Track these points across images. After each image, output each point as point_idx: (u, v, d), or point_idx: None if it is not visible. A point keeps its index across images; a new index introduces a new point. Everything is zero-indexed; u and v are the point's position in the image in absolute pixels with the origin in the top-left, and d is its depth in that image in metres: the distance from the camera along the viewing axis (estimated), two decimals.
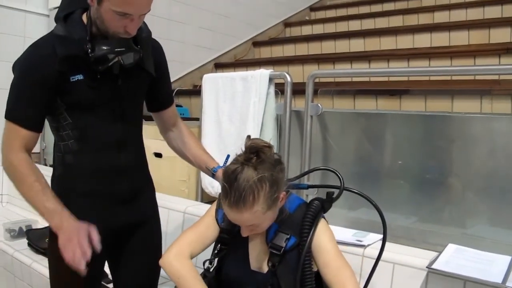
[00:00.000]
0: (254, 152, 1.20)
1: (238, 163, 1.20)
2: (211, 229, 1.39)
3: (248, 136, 1.28)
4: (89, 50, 1.30)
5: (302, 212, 1.29)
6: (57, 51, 1.31)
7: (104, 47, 1.31)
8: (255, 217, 1.19)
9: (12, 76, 1.36)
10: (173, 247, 1.36)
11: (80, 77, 1.35)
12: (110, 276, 1.67)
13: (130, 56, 1.35)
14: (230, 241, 1.36)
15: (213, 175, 1.63)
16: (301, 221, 1.27)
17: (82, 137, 1.41)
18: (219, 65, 4.51)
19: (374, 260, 1.48)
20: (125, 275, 1.59)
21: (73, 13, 1.37)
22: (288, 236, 1.27)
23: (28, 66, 1.33)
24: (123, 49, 1.33)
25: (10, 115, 1.36)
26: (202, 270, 1.39)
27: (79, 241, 1.23)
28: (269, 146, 1.23)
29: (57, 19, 1.39)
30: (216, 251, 1.38)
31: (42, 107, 1.36)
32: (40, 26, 3.56)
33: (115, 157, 1.46)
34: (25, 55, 1.35)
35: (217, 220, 1.38)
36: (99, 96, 1.40)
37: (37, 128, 1.38)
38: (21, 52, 1.36)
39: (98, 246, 1.27)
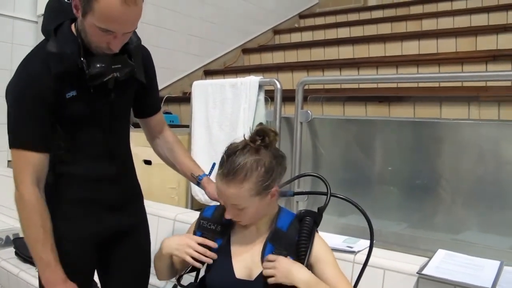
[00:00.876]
0: (261, 135, 1.23)
1: (243, 141, 1.24)
2: None
3: (260, 123, 1.32)
4: (84, 66, 1.28)
5: (296, 230, 1.29)
6: (52, 69, 1.28)
7: (98, 65, 1.29)
8: (241, 196, 1.20)
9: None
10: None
11: (74, 93, 1.33)
12: (99, 285, 1.65)
13: (125, 71, 1.34)
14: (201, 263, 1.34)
15: (198, 183, 1.63)
16: (296, 241, 1.27)
17: (73, 148, 1.40)
18: (209, 72, 4.51)
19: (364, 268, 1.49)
20: (115, 283, 1.58)
21: (62, 25, 1.34)
22: (285, 256, 1.26)
23: (23, 86, 1.29)
24: (119, 66, 1.32)
25: (16, 143, 1.31)
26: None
27: None
28: (276, 133, 1.25)
29: (46, 33, 1.35)
30: (187, 269, 1.40)
31: (46, 125, 1.33)
32: (28, 33, 3.53)
33: (106, 166, 1.46)
34: (18, 76, 1.31)
35: None
36: (92, 110, 1.39)
37: (47, 148, 1.34)
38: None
39: None
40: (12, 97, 1.31)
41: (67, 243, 1.40)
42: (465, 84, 2.82)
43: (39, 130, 1.31)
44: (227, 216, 1.26)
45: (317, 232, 1.33)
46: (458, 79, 2.45)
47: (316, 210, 1.35)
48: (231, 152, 1.22)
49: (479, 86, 2.68)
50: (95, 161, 1.43)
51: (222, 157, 1.24)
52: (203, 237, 1.34)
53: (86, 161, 1.41)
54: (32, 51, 1.36)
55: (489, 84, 2.64)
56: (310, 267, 1.26)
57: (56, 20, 1.35)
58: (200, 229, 1.38)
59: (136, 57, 1.42)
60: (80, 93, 1.33)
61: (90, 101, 1.36)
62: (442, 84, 2.94)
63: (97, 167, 1.44)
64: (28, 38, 3.45)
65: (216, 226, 1.36)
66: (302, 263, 1.23)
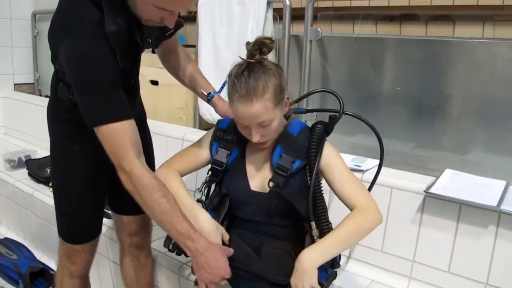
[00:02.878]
0: (257, 48, 1.21)
1: (243, 62, 1.22)
2: (203, 153, 1.40)
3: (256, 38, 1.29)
4: (138, 40, 1.24)
5: (306, 136, 1.29)
6: (116, 49, 1.19)
7: (150, 40, 1.27)
8: (266, 110, 1.19)
9: None
10: (165, 162, 1.41)
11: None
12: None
13: (173, 32, 1.34)
14: (220, 173, 1.36)
15: (208, 100, 1.61)
16: (307, 145, 1.27)
17: None
18: None
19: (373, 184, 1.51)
20: (124, 199, 1.59)
21: None
22: (294, 159, 1.28)
23: (91, 62, 1.18)
24: (172, 30, 1.30)
25: (102, 119, 1.19)
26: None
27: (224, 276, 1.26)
28: (272, 40, 1.23)
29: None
30: (206, 181, 1.40)
31: (121, 90, 1.23)
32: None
33: (128, 94, 1.35)
34: (83, 56, 1.19)
35: (210, 151, 1.39)
36: (133, 59, 1.37)
37: (131, 113, 1.25)
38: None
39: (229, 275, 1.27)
40: (82, 82, 1.20)
41: (87, 165, 1.43)
42: (481, 2, 2.72)
43: (118, 98, 1.22)
44: (254, 139, 1.24)
45: (327, 141, 1.33)
46: None
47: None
48: (239, 73, 1.20)
49: (495, 5, 2.58)
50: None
51: (232, 81, 1.20)
52: (220, 147, 1.36)
53: None
54: (81, 21, 1.22)
55: (506, 2, 2.53)
56: (320, 172, 1.28)
57: None
58: (217, 140, 1.38)
59: None
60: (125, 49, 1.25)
61: (132, 53, 1.33)
62: (457, 2, 2.83)
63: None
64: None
65: (233, 136, 1.37)
66: (313, 167, 1.24)
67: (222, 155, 1.36)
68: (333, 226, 1.25)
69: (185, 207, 1.28)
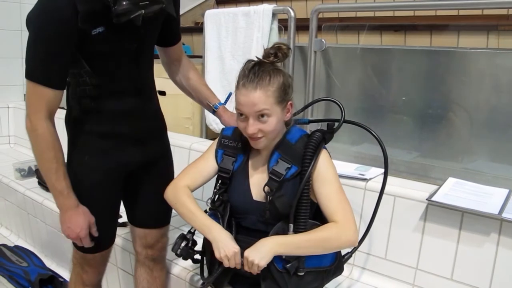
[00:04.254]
0: (274, 52, 1.28)
1: (257, 59, 1.30)
2: (210, 164, 1.43)
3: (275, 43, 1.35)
4: (111, 3, 1.23)
5: (304, 143, 1.31)
6: (78, 7, 1.23)
7: (125, 2, 1.23)
8: (266, 101, 1.23)
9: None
10: (173, 180, 1.46)
11: (101, 29, 1.29)
12: (124, 216, 1.73)
13: (153, 8, 1.30)
14: (228, 179, 1.39)
15: (214, 111, 1.64)
16: (303, 151, 1.29)
17: (100, 84, 1.39)
18: (221, 1, 4.38)
19: (376, 193, 1.53)
20: (140, 213, 1.64)
21: None
22: (289, 166, 1.30)
23: (47, 21, 1.24)
24: (147, 2, 1.27)
25: (32, 76, 1.29)
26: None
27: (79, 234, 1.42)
28: (289, 48, 1.30)
29: None
30: (216, 189, 1.43)
31: (66, 62, 1.30)
32: None
33: (132, 101, 1.46)
34: (42, 8, 1.25)
35: (216, 158, 1.42)
36: (120, 47, 1.37)
37: (62, 86, 1.34)
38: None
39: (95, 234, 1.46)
40: (33, 29, 1.27)
41: (96, 175, 1.45)
42: (486, 12, 2.74)
43: (57, 67, 1.30)
44: (250, 130, 1.26)
45: (326, 150, 1.35)
46: (479, 7, 2.38)
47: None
48: (250, 66, 1.27)
49: (499, 15, 2.60)
50: (121, 96, 1.43)
51: (243, 70, 1.28)
52: (225, 154, 1.40)
53: (113, 96, 1.41)
54: None
55: (511, 12, 2.55)
56: (311, 181, 1.29)
57: None
58: (221, 147, 1.42)
59: None
60: (107, 29, 1.30)
61: (117, 37, 1.34)
62: (461, 12, 2.85)
63: (123, 102, 1.44)
64: None
65: (237, 143, 1.40)
66: (304, 173, 1.26)
67: (228, 162, 1.39)
68: None
69: (198, 223, 1.33)
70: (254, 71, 1.25)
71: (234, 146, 1.40)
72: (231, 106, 1.55)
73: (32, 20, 1.27)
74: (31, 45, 1.28)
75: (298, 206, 1.26)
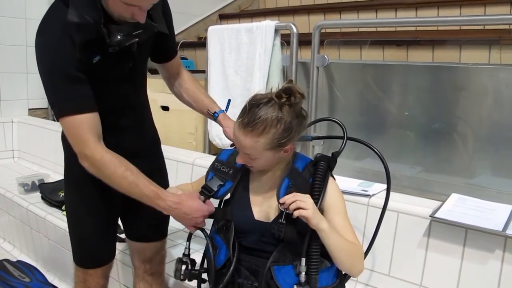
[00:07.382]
0: (287, 93, 1.22)
1: (268, 95, 1.23)
2: (199, 182, 1.45)
3: (290, 80, 1.31)
4: (105, 35, 1.25)
5: (310, 172, 1.30)
6: (75, 40, 1.25)
7: (119, 36, 1.25)
8: (255, 148, 1.22)
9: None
10: None
11: (98, 57, 1.31)
12: (122, 228, 1.74)
13: (147, 34, 1.32)
14: (208, 198, 1.39)
15: (214, 119, 1.65)
16: (311, 182, 1.28)
17: (97, 103, 1.38)
18: (224, 16, 4.44)
19: (379, 209, 1.52)
20: (137, 225, 1.66)
21: None
22: None
23: (51, 60, 1.26)
24: (141, 31, 1.29)
25: (64, 111, 1.28)
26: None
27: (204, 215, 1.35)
28: (303, 96, 1.25)
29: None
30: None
31: (86, 84, 1.30)
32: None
33: (128, 117, 1.49)
34: (42, 50, 1.28)
35: (206, 179, 1.42)
36: (116, 70, 1.40)
37: (92, 106, 1.31)
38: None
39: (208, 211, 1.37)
40: (43, 72, 1.28)
41: (93, 187, 1.46)
42: (487, 27, 2.75)
43: (82, 91, 1.29)
44: (239, 160, 1.29)
45: (332, 176, 1.35)
46: (480, 22, 2.39)
47: (330, 156, 1.37)
48: (255, 104, 1.22)
49: (501, 29, 2.62)
50: (118, 113, 1.46)
51: (245, 106, 1.23)
52: (215, 177, 1.39)
53: (108, 114, 1.41)
54: (48, 16, 1.30)
55: None
56: (321, 211, 1.28)
57: None
58: (213, 170, 1.41)
59: (157, 9, 1.39)
60: (104, 57, 1.32)
61: (114, 63, 1.36)
62: (463, 27, 2.87)
63: (120, 119, 1.47)
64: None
65: (229, 169, 1.39)
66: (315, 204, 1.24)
67: (214, 183, 1.38)
68: None
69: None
70: (254, 114, 1.20)
71: (226, 172, 1.39)
72: (232, 111, 1.56)
73: (38, 64, 1.28)
74: (48, 87, 1.29)
75: (310, 239, 1.23)
